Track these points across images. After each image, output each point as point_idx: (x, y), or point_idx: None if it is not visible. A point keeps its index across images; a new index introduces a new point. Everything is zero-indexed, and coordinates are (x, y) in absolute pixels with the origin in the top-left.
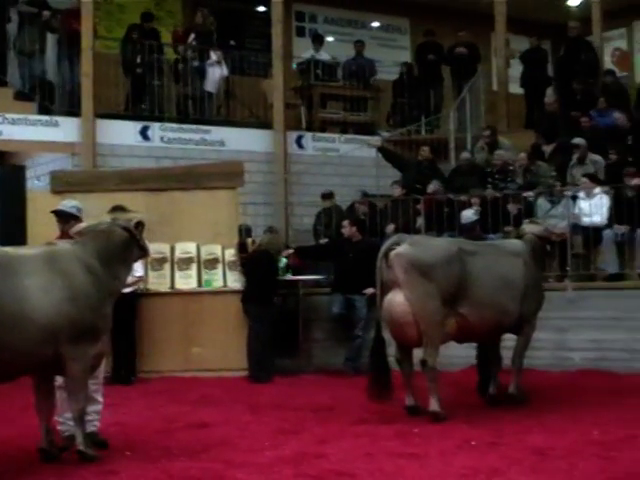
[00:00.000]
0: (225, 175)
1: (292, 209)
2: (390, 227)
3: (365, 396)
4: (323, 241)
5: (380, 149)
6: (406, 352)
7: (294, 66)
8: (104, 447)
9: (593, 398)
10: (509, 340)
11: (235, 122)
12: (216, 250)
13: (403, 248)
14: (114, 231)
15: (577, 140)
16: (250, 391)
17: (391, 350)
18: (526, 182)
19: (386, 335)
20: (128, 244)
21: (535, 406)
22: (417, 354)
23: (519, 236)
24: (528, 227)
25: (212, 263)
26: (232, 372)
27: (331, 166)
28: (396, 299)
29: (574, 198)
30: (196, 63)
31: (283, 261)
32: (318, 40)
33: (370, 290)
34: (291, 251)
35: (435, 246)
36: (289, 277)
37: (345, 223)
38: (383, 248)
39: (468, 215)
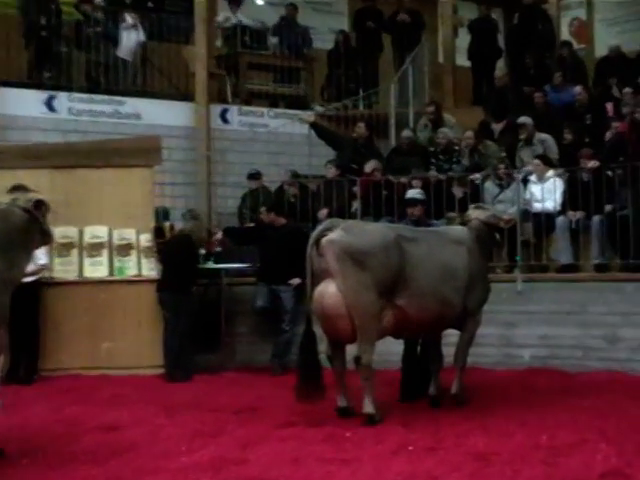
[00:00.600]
0: (140, 151)
1: (215, 190)
2: (323, 211)
3: (293, 396)
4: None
5: (313, 125)
6: (338, 348)
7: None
8: None
9: (542, 399)
10: (452, 336)
11: (152, 93)
12: (130, 235)
13: (336, 234)
14: (12, 213)
15: (522, 119)
16: (166, 391)
17: (322, 346)
18: (473, 163)
19: (317, 330)
20: (29, 228)
21: (479, 407)
22: (350, 350)
23: (464, 222)
24: (474, 213)
25: (125, 249)
26: (146, 370)
27: (259, 143)
28: (328, 290)
29: (525, 181)
30: (105, 27)
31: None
32: (235, 1)
33: (296, 280)
34: (220, 235)
35: (371, 232)
36: (211, 265)
37: (262, 210)
38: (314, 234)
39: (413, 194)
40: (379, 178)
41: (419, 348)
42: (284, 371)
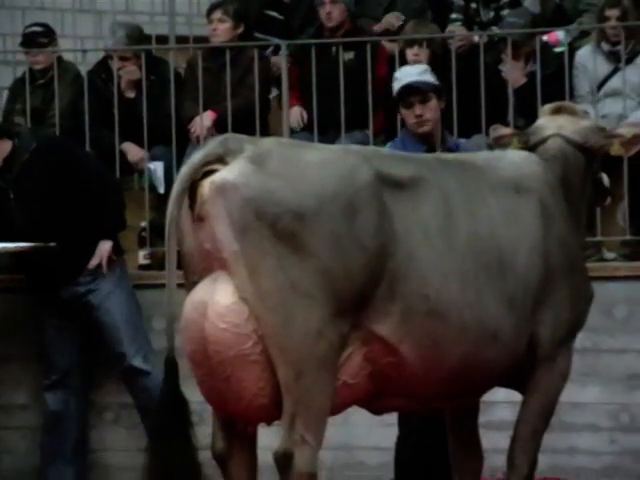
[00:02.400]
0: None
1: None
2: (205, 117)
3: None
4: None
5: None
6: (240, 437)
7: None
8: None
9: None
10: (501, 406)
11: None
12: None
13: (234, 172)
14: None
15: None
16: None
17: (204, 430)
18: (548, 9)
19: (191, 390)
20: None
21: None
22: (267, 440)
23: (529, 144)
24: (554, 122)
25: None
26: None
27: None
28: (216, 298)
29: None
30: None
31: None
32: None
33: (94, 262)
34: None
35: (315, 168)
36: None
37: None
38: (183, 172)
39: (412, 74)
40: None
41: (430, 438)
42: None
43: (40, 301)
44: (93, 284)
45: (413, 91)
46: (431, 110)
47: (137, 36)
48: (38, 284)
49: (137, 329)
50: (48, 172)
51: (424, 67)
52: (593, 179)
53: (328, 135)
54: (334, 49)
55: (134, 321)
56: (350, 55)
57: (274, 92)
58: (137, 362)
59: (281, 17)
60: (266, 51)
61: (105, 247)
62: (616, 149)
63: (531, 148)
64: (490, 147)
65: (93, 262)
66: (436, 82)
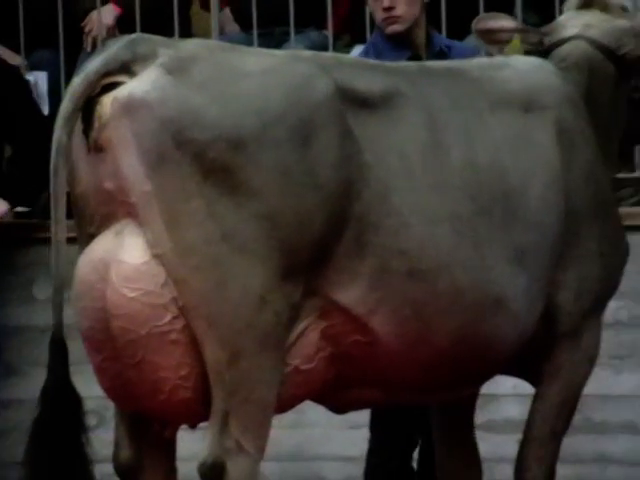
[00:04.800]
0: None
1: None
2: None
3: None
4: None
5: None
6: (153, 442)
7: None
8: None
9: None
10: (507, 399)
11: None
12: None
13: (145, 85)
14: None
15: None
16: None
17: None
18: None
19: (86, 380)
20: None
21: None
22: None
23: (544, 47)
24: (576, 20)
25: None
26: None
27: None
28: (119, 255)
29: None
30: None
31: None
32: None
33: None
34: None
35: (254, 77)
36: None
37: None
38: (76, 85)
39: None
40: None
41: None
42: None
43: None
44: None
45: None
46: (406, 3)
47: None
48: None
49: None
50: None
51: None
52: (631, 99)
53: (273, 36)
54: None
55: None
56: None
57: None
58: None
59: None
60: None
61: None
62: None
63: (545, 53)
64: (490, 53)
65: None
66: None
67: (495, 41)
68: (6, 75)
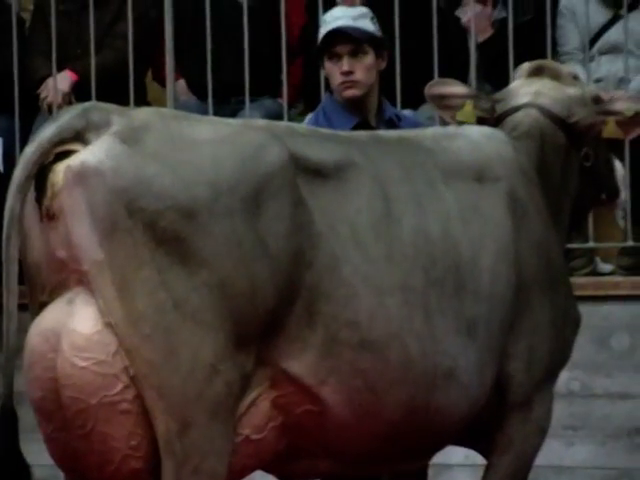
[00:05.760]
0: None
1: None
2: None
3: None
4: None
5: None
6: None
7: None
8: None
9: None
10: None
11: None
12: None
13: (99, 154)
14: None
15: None
16: None
17: None
18: None
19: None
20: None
21: None
22: None
23: (496, 115)
24: (529, 88)
25: None
26: None
27: None
28: (72, 325)
29: None
30: None
31: None
32: None
33: None
34: None
35: (207, 146)
36: None
37: None
38: (30, 153)
39: (342, 17)
40: None
41: None
42: None
43: None
44: None
45: (342, 39)
46: (365, 68)
47: None
48: None
49: None
50: None
51: (363, 10)
52: (583, 168)
53: (228, 104)
54: None
55: None
56: None
57: None
58: None
59: None
60: None
61: None
62: (611, 130)
63: (497, 121)
64: (444, 122)
65: None
66: (376, 32)
67: (447, 107)
68: None
